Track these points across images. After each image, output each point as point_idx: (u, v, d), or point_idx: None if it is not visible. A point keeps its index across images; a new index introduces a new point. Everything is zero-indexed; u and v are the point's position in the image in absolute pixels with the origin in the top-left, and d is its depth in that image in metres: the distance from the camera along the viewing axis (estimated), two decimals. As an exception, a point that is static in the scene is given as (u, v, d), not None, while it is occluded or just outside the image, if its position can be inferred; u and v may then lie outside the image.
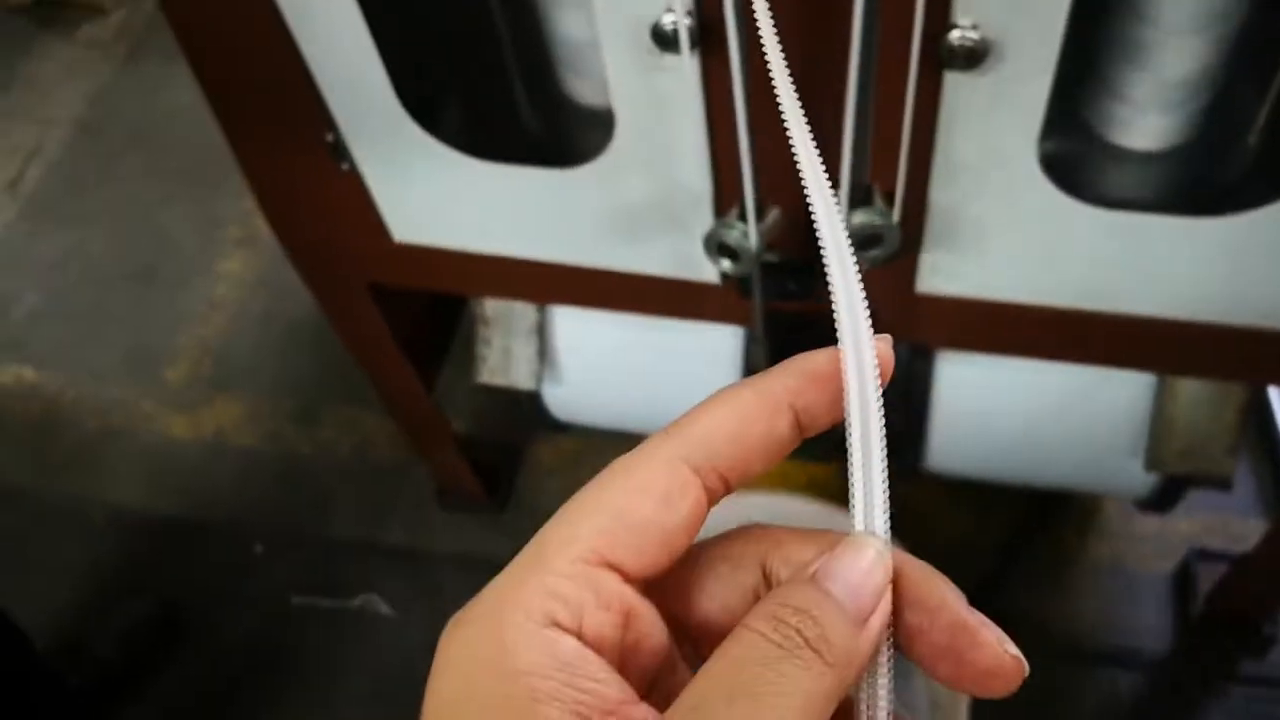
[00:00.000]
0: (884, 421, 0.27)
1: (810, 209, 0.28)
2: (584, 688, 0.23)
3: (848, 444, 0.27)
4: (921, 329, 0.91)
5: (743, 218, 0.77)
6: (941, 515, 1.45)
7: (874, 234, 0.75)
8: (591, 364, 1.21)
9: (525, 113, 0.89)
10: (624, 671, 0.25)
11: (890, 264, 0.78)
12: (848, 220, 0.74)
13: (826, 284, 0.28)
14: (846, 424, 0.27)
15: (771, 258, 0.80)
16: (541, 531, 0.26)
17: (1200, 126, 0.78)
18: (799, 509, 1.14)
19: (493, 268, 0.92)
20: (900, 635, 0.26)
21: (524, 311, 1.17)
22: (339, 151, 0.82)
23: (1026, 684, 0.26)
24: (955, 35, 0.61)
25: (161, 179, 1.96)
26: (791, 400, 0.27)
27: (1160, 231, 0.75)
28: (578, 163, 0.79)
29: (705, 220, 0.80)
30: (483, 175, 0.82)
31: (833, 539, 0.26)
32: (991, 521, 1.44)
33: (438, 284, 1.03)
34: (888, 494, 0.27)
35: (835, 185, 0.71)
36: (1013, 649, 0.25)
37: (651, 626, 0.26)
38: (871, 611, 0.25)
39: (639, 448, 0.27)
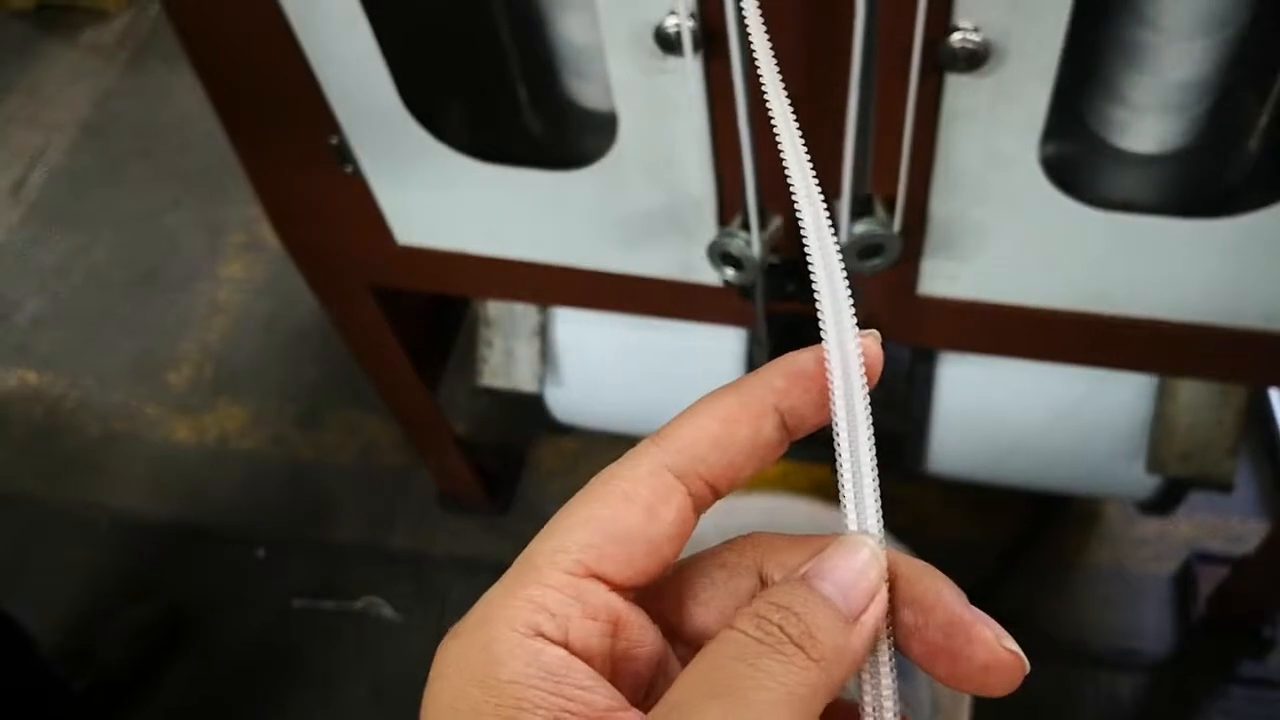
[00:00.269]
0: (871, 419, 0.27)
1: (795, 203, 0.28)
2: (569, 695, 0.24)
3: (835, 445, 0.27)
4: (923, 331, 0.91)
5: (746, 226, 0.77)
6: (942, 517, 1.45)
7: (876, 244, 0.75)
8: (593, 366, 1.21)
9: (528, 115, 0.90)
10: (616, 679, 0.26)
11: (892, 267, 0.78)
12: (849, 231, 0.75)
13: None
14: (833, 424, 0.27)
15: (773, 259, 0.80)
16: (531, 544, 0.27)
17: (1202, 129, 0.79)
18: (802, 510, 1.14)
19: (495, 270, 0.92)
20: (898, 635, 0.26)
21: (526, 313, 1.17)
22: (343, 154, 0.82)
23: (1027, 686, 0.25)
24: (956, 38, 0.61)
25: (165, 183, 1.96)
26: (776, 402, 0.27)
27: (1161, 234, 0.75)
28: (581, 166, 0.79)
29: (708, 222, 0.80)
30: (486, 178, 0.82)
31: (828, 540, 0.26)
32: (992, 524, 1.44)
33: (440, 286, 1.03)
34: (878, 493, 0.27)
35: (837, 194, 0.72)
36: (1011, 644, 0.25)
37: (642, 634, 0.27)
38: (864, 609, 0.25)
39: (625, 456, 0.27)
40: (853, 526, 0.26)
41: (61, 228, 1.95)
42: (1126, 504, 1.36)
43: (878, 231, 0.75)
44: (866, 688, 0.25)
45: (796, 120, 0.28)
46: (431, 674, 0.25)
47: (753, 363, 1.11)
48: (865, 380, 0.27)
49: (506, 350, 1.18)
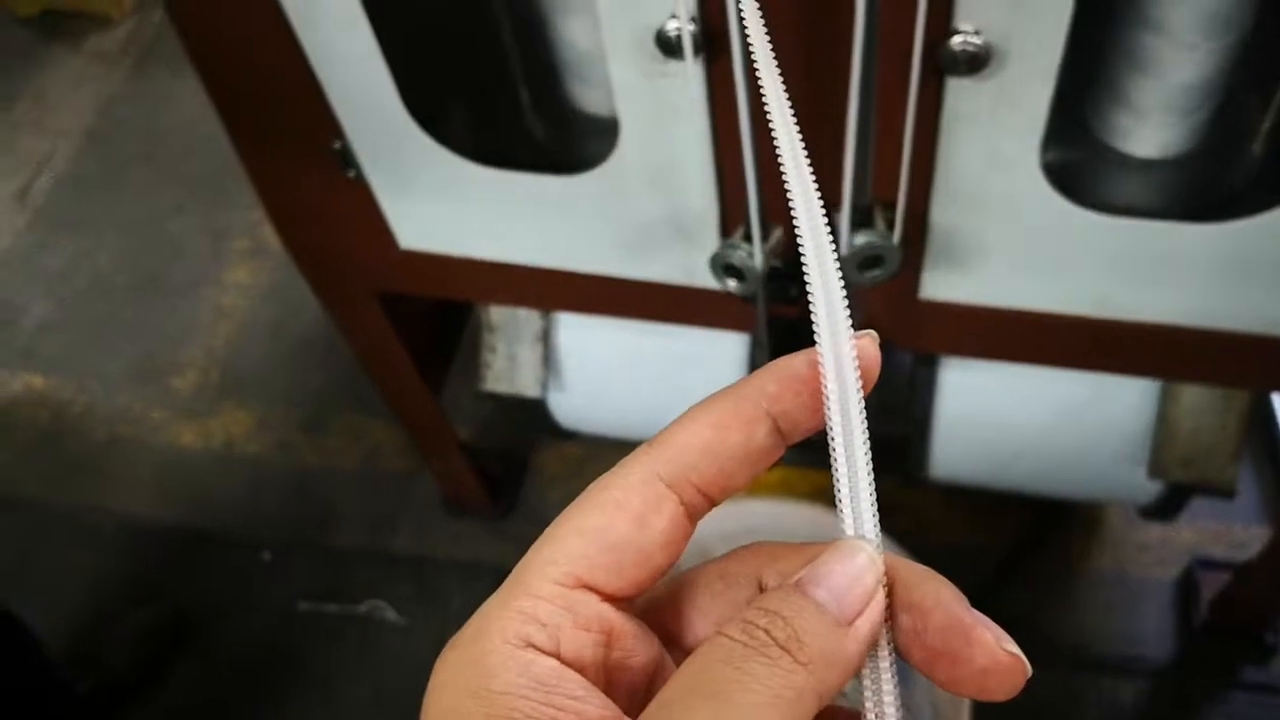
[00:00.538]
0: (867, 423, 0.26)
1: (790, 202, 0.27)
2: (560, 705, 0.24)
3: (830, 450, 0.26)
4: (924, 336, 0.91)
5: (748, 238, 0.77)
6: (944, 522, 1.45)
7: (876, 255, 0.76)
8: (596, 371, 1.21)
9: (531, 120, 0.90)
10: (610, 689, 0.26)
11: (891, 279, 0.79)
12: (849, 242, 0.75)
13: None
14: (827, 428, 0.26)
15: (775, 263, 0.80)
16: (525, 556, 0.27)
17: (1204, 133, 0.79)
18: (802, 515, 1.14)
19: (498, 275, 0.93)
20: (898, 639, 0.26)
21: (529, 318, 1.17)
22: (346, 159, 0.83)
23: (1028, 691, 0.25)
24: (957, 41, 0.62)
25: (169, 189, 1.97)
26: (769, 407, 0.27)
27: (1164, 238, 0.75)
28: (583, 170, 0.79)
29: (710, 227, 0.80)
30: (488, 182, 0.82)
31: (823, 548, 0.26)
32: (994, 529, 1.44)
33: (443, 291, 1.04)
34: (875, 497, 0.26)
35: (837, 205, 0.72)
36: (1011, 646, 0.24)
37: (637, 644, 0.27)
38: (859, 614, 0.25)
39: (618, 465, 0.27)
40: (849, 531, 0.26)
41: (67, 233, 1.96)
42: (1128, 509, 1.36)
43: (877, 242, 0.75)
44: (868, 693, 0.25)
45: (795, 118, 0.27)
46: (429, 685, 0.25)
47: (754, 367, 1.11)
48: (860, 383, 0.26)
49: (509, 355, 1.19)
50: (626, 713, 0.25)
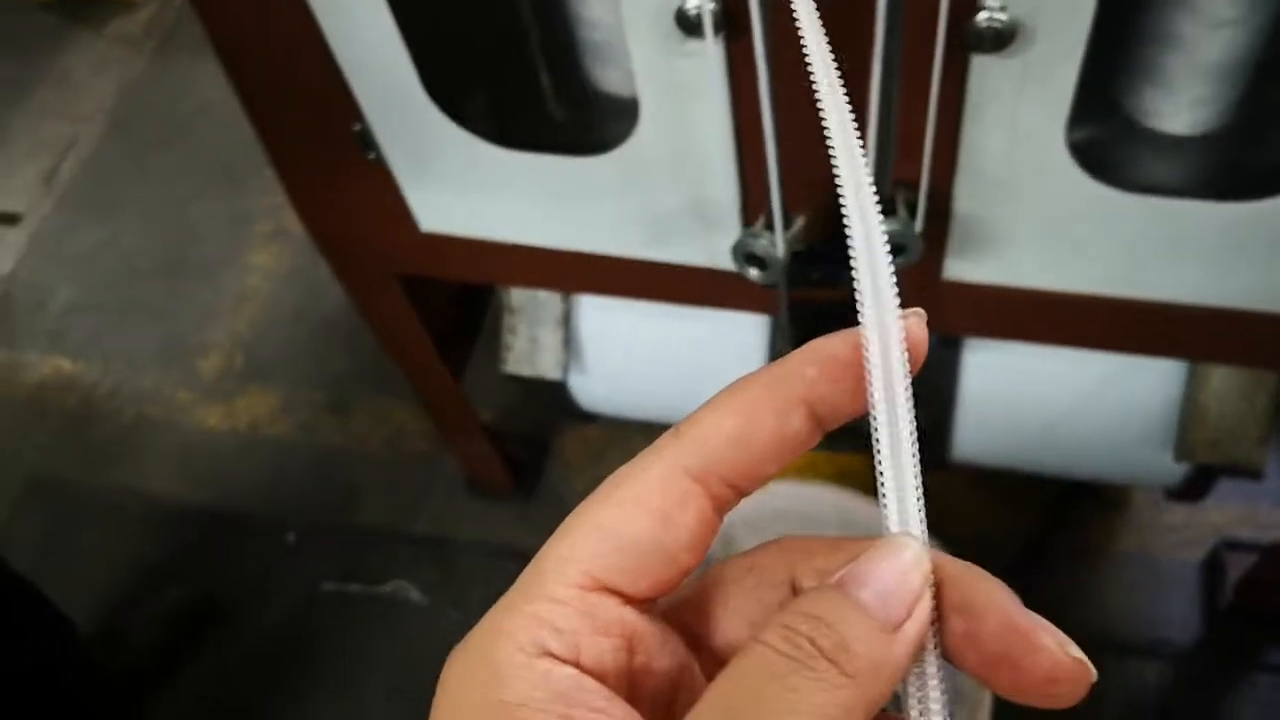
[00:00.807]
0: (914, 411, 0.24)
1: (836, 174, 0.26)
2: (580, 718, 0.22)
3: (874, 439, 0.24)
4: (948, 318, 0.91)
5: (769, 226, 0.77)
6: (968, 505, 1.44)
7: (898, 243, 0.75)
8: (617, 353, 1.21)
9: (551, 101, 0.90)
10: (633, 698, 0.24)
11: (912, 268, 0.78)
12: None
13: (851, 269, 0.25)
14: (871, 417, 0.24)
15: (797, 246, 0.80)
16: (540, 553, 0.25)
17: (1236, 110, 0.77)
18: (828, 499, 1.14)
19: (518, 257, 0.93)
20: (948, 644, 0.24)
21: (550, 301, 1.17)
22: (366, 141, 0.83)
23: None
24: (983, 17, 0.61)
25: (193, 172, 1.98)
26: (805, 393, 0.25)
27: (1192, 217, 0.74)
28: (603, 152, 0.79)
29: (731, 211, 0.80)
30: (508, 164, 0.82)
31: (865, 545, 0.24)
32: (1018, 511, 1.44)
33: (464, 274, 1.04)
34: (921, 491, 0.24)
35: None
36: (1075, 651, 0.22)
37: (661, 649, 0.25)
38: (906, 618, 0.23)
39: (638, 456, 0.25)
40: (894, 527, 0.24)
41: (92, 217, 1.97)
42: (1154, 491, 1.35)
43: (899, 230, 0.74)
44: (912, 702, 0.23)
45: (840, 75, 0.26)
46: (438, 690, 0.24)
47: (776, 350, 1.10)
48: (907, 367, 0.24)
49: (531, 338, 1.19)
50: None
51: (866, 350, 0.24)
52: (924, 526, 0.24)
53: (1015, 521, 1.43)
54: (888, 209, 0.74)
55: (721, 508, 0.25)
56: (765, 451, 0.25)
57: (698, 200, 0.81)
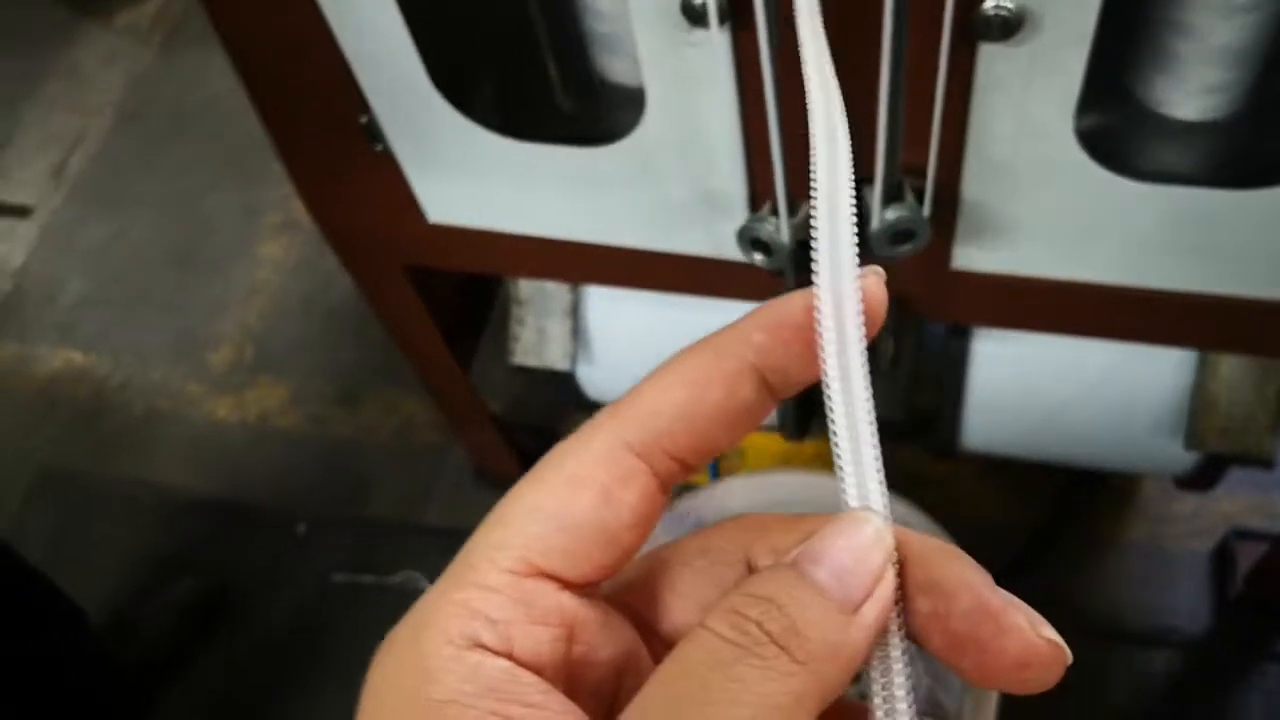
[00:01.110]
0: (870, 375, 0.22)
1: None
2: (515, 714, 0.21)
3: (827, 407, 0.22)
4: (957, 307, 0.90)
5: (775, 212, 0.77)
6: (977, 495, 1.44)
7: (907, 230, 0.75)
8: (625, 344, 1.21)
9: (558, 92, 0.90)
10: (573, 690, 0.23)
11: (921, 253, 0.78)
12: (881, 217, 0.74)
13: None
14: (824, 384, 0.22)
15: (803, 235, 0.80)
16: (471, 539, 0.24)
17: (1247, 96, 0.77)
18: (835, 489, 1.14)
19: (526, 248, 0.93)
20: (914, 625, 0.22)
21: (557, 292, 1.17)
22: (372, 133, 0.83)
23: None
24: (990, 5, 0.60)
25: (202, 165, 1.99)
26: (755, 359, 0.23)
27: (1203, 205, 0.74)
28: (610, 142, 0.79)
29: (738, 199, 0.80)
30: (515, 155, 0.82)
31: (823, 521, 0.23)
32: (1028, 501, 1.43)
33: (471, 265, 1.04)
34: (880, 460, 0.22)
35: (869, 179, 0.71)
36: (1049, 632, 0.21)
37: (603, 636, 0.24)
38: (865, 598, 0.21)
39: (578, 432, 0.24)
40: (852, 502, 0.22)
41: (102, 210, 1.98)
42: (1164, 480, 1.34)
43: (908, 216, 0.74)
44: (876, 686, 0.22)
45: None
46: (364, 691, 0.23)
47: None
48: (863, 329, 0.23)
49: (538, 329, 1.19)
50: (593, 715, 0.22)
51: (819, 311, 0.23)
52: (885, 500, 0.23)
53: (1025, 511, 1.42)
54: (895, 195, 0.74)
55: (667, 484, 0.24)
56: (713, 424, 0.23)
57: (704, 189, 0.80)
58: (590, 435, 0.24)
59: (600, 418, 0.24)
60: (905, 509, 1.12)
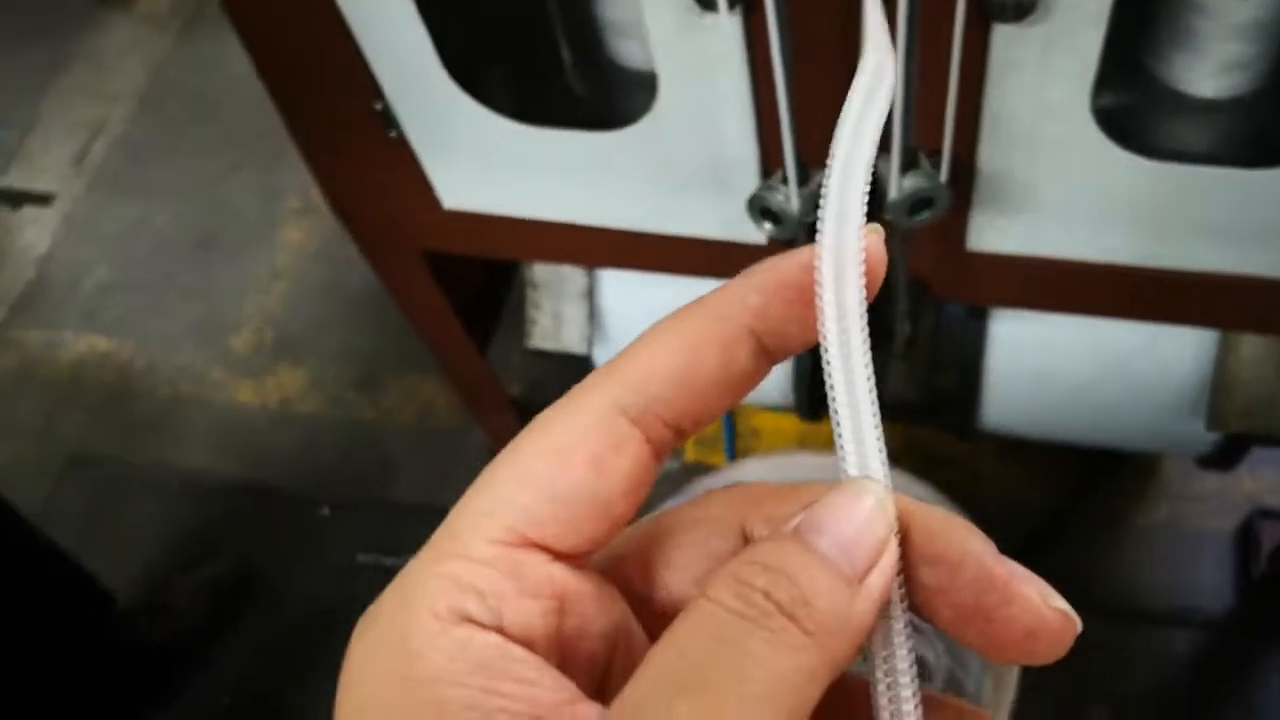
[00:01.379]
0: (868, 340, 0.22)
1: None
2: (506, 691, 0.20)
3: (825, 373, 0.22)
4: (974, 288, 0.90)
5: (786, 181, 0.76)
6: (997, 475, 1.44)
7: (925, 197, 0.74)
8: (640, 327, 1.20)
9: (571, 76, 0.90)
10: (565, 665, 0.22)
11: (940, 222, 0.77)
12: (899, 185, 0.74)
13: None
14: (823, 347, 0.22)
15: (811, 216, 0.79)
16: (455, 508, 0.22)
17: (1268, 73, 0.76)
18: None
19: (541, 233, 0.93)
20: (918, 598, 0.21)
21: (573, 276, 1.18)
22: (387, 120, 0.83)
23: (1082, 642, 0.21)
24: (1002, -13, 0.60)
25: (222, 150, 2.00)
26: (752, 322, 0.22)
27: (1221, 184, 0.73)
28: (623, 126, 0.79)
29: (751, 183, 0.79)
30: (528, 140, 0.82)
31: (822, 490, 0.22)
32: (1048, 480, 1.43)
33: (487, 250, 1.04)
34: (880, 428, 0.22)
35: (886, 149, 0.71)
36: (1058, 602, 0.20)
37: (595, 608, 0.22)
38: (870, 568, 0.20)
39: (568, 395, 0.23)
40: (852, 470, 0.22)
41: (124, 196, 2.00)
42: (1186, 459, 1.34)
43: (925, 185, 0.74)
44: (878, 660, 0.21)
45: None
46: (344, 668, 0.22)
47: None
48: (864, 290, 0.22)
49: (555, 313, 1.19)
50: (585, 690, 0.21)
51: (819, 271, 0.22)
52: (886, 469, 0.22)
53: (1045, 491, 1.42)
54: (911, 163, 0.73)
55: (660, 451, 0.23)
56: (709, 390, 0.22)
57: (716, 171, 0.80)
58: (581, 399, 0.22)
59: (591, 380, 0.23)
60: (922, 489, 1.12)
